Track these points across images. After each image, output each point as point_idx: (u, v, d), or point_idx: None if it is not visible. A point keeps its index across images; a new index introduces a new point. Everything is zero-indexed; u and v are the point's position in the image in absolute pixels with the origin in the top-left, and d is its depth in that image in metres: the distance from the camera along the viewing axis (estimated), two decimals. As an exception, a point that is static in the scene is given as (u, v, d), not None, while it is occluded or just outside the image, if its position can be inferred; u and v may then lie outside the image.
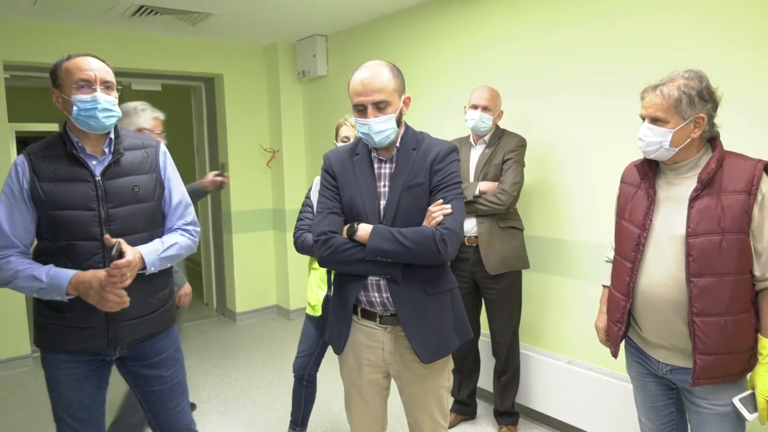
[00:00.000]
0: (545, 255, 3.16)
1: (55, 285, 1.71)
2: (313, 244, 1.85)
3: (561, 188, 3.07)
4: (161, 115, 2.90)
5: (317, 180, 2.57)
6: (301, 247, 2.50)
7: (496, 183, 2.83)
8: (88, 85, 1.77)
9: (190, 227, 2.01)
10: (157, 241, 1.90)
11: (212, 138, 5.33)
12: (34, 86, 6.82)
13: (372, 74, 1.75)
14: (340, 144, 2.60)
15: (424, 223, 1.78)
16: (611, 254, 2.04)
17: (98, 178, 1.82)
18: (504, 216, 2.86)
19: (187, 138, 5.94)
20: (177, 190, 2.00)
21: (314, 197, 2.56)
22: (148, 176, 1.92)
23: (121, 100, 1.92)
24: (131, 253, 1.76)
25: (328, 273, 2.58)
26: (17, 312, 4.16)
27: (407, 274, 1.79)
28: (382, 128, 1.77)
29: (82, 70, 1.76)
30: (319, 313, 2.61)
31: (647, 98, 1.73)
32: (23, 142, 11.80)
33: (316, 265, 2.63)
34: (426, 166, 1.81)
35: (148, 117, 2.78)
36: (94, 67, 1.78)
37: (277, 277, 5.40)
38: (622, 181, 1.92)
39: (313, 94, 5.02)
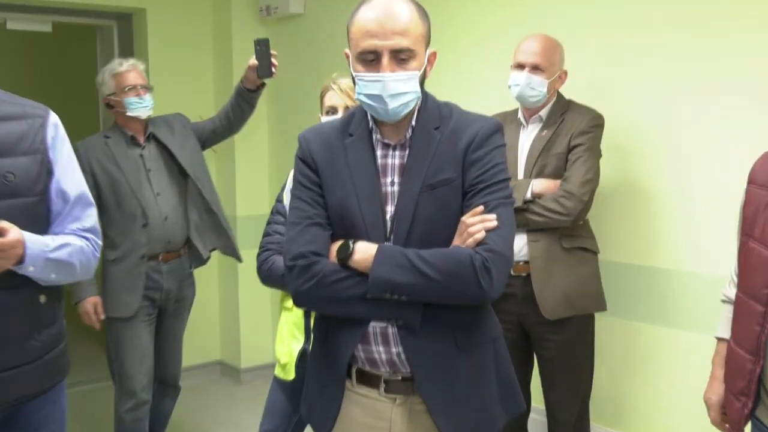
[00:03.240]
0: (630, 291, 3.17)
1: None
2: (286, 271, 1.85)
3: (654, 191, 3.10)
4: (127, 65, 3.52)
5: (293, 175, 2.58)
6: (267, 276, 2.50)
7: (558, 181, 2.86)
8: None
9: (89, 235, 2.04)
10: (46, 236, 1.93)
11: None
12: None
13: (391, 9, 1.77)
14: (325, 118, 2.62)
15: (456, 241, 1.79)
16: (731, 292, 2.05)
17: None
18: (569, 232, 2.88)
19: (89, 102, 5.96)
20: (72, 179, 2.03)
21: (289, 200, 2.57)
22: (28, 159, 1.94)
23: None
24: (14, 233, 1.80)
25: (307, 315, 2.59)
26: None
27: (429, 318, 1.80)
28: (402, 89, 1.78)
29: None
30: (292, 375, 2.61)
31: None
32: None
33: (289, 303, 2.64)
34: (457, 155, 1.82)
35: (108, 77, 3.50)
36: None
37: (223, 320, 5.41)
38: (750, 182, 1.93)
39: (283, 41, 5.04)
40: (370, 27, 1.76)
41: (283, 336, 2.66)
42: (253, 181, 5.21)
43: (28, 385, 1.96)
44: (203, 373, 5.36)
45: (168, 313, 3.64)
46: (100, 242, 2.08)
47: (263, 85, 3.66)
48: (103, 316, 3.41)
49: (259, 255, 2.57)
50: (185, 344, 5.15)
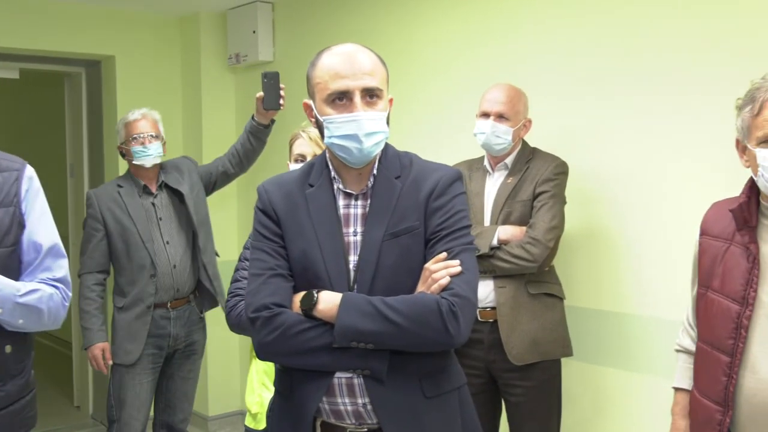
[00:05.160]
0: (596, 336, 3.19)
1: None
2: (248, 324, 1.85)
3: (619, 237, 3.13)
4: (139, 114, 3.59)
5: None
6: (237, 323, 2.48)
7: (524, 228, 2.89)
8: None
9: (59, 285, 2.06)
10: (17, 282, 1.96)
11: (95, 151, 5.34)
12: None
13: (355, 53, 1.82)
14: (293, 166, 2.63)
15: (420, 287, 1.80)
16: (686, 341, 2.08)
17: None
18: (535, 278, 2.91)
19: (57, 149, 5.93)
20: (45, 231, 2.06)
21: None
22: (1, 211, 1.98)
23: None
24: None
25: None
26: None
27: (396, 367, 1.79)
28: (375, 128, 1.80)
29: None
30: (263, 425, 2.58)
31: (765, 113, 1.77)
32: None
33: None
34: (419, 203, 1.84)
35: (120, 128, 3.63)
36: None
37: (190, 366, 5.33)
38: (703, 233, 1.96)
39: (252, 89, 5.03)
40: (339, 69, 1.80)
41: (254, 385, 2.63)
42: (222, 227, 5.18)
43: None
44: (170, 422, 5.29)
45: (177, 355, 3.68)
46: (69, 293, 2.11)
47: (273, 121, 3.65)
48: (111, 362, 3.46)
49: (227, 301, 2.55)
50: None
